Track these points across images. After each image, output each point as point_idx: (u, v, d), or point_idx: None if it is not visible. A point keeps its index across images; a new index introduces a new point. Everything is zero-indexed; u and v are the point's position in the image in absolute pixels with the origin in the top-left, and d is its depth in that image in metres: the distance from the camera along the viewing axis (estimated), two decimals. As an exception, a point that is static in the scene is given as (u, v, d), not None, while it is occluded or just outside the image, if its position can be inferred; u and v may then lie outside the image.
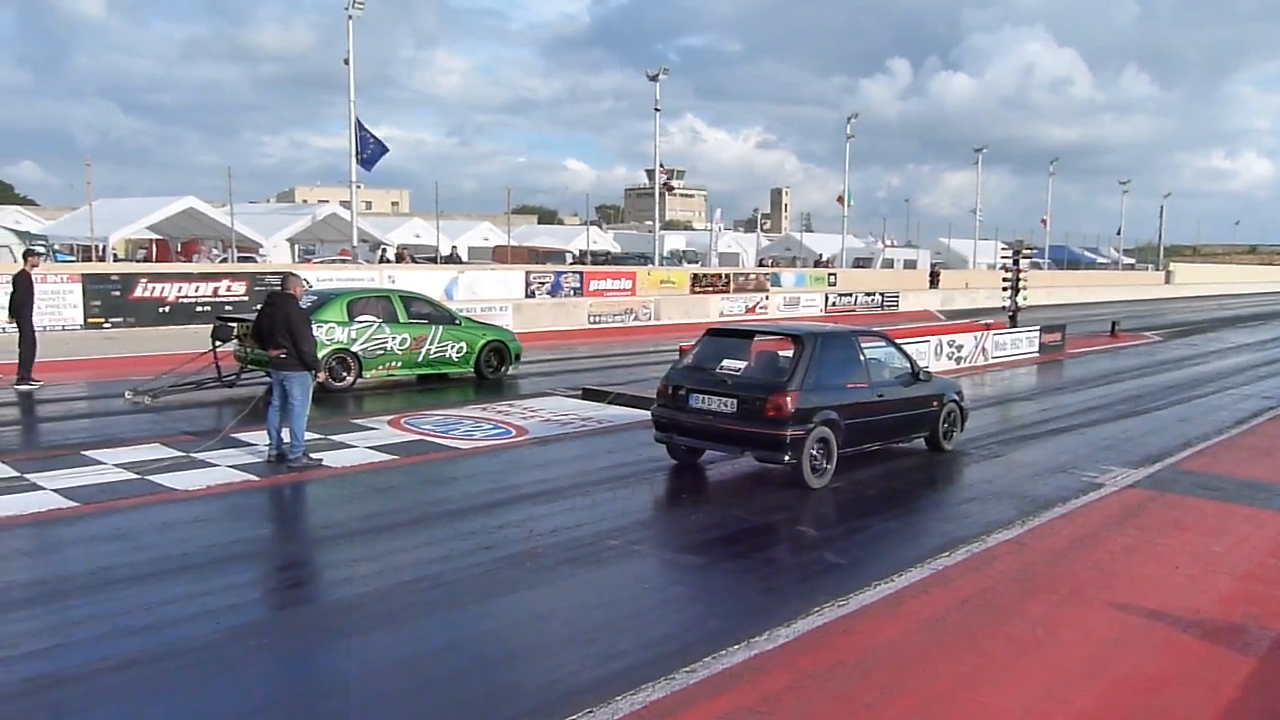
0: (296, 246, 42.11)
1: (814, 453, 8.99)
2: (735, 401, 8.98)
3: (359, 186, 31.66)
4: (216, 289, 23.28)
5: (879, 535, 8.02)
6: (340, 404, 13.16)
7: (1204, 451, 11.19)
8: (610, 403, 13.60)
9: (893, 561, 6.95)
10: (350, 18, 28.64)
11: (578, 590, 6.40)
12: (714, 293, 35.83)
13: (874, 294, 40.22)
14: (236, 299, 23.08)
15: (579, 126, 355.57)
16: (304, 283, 10.15)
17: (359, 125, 29.26)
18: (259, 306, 10.22)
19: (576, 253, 47.66)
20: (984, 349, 20.48)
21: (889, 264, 58.37)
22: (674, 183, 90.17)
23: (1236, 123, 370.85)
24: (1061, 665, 5.20)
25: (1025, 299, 24.60)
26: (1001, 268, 25.08)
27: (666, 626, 5.77)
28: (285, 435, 9.43)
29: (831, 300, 38.42)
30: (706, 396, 9.19)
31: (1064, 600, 6.20)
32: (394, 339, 14.70)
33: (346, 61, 29.12)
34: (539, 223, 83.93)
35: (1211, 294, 66.65)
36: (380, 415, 12.30)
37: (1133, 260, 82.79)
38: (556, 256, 46.79)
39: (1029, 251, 25.52)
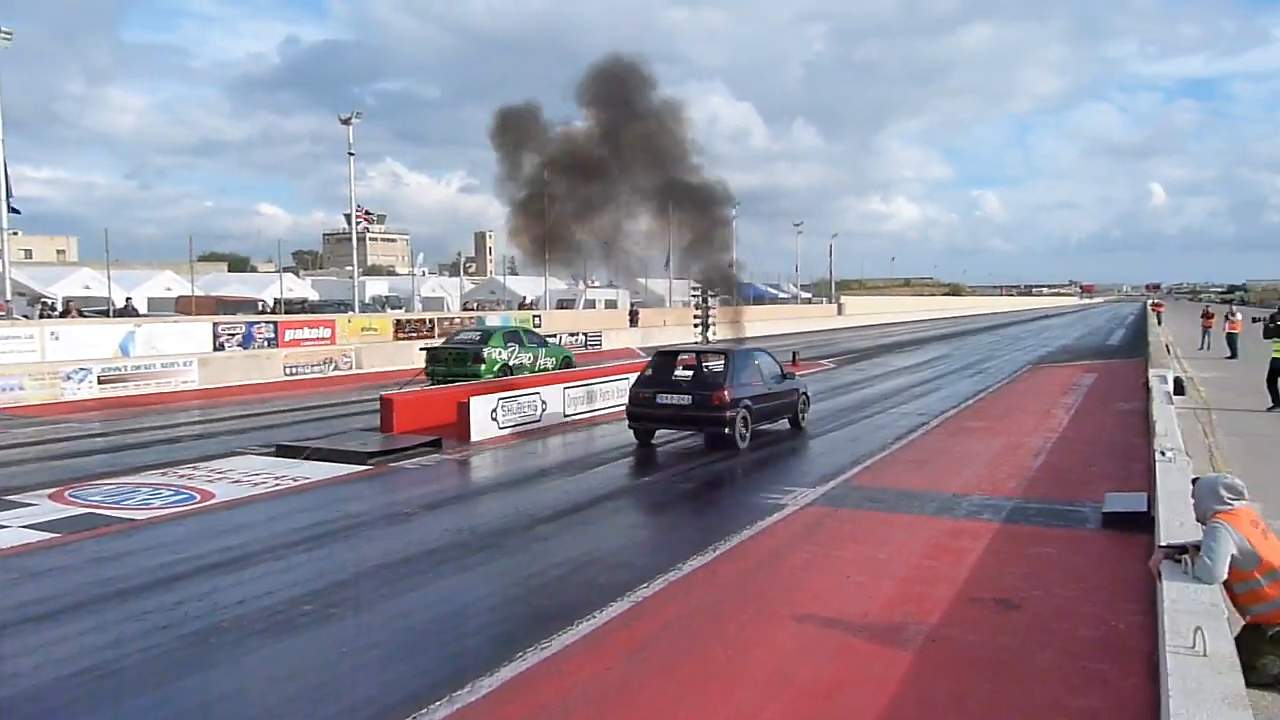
0: (-65, 302, 36.89)
1: (740, 428, 13.50)
2: (690, 397, 13.62)
3: (15, 234, 28.37)
4: None
5: (579, 569, 8.12)
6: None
7: (869, 468, 12.31)
8: (306, 458, 12.96)
9: (595, 596, 7.08)
10: (-6, 48, 25.81)
11: (269, 663, 6.02)
12: (418, 338, 35.16)
13: (578, 334, 41.10)
14: None
15: (274, 170, 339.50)
16: None
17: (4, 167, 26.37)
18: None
19: (271, 301, 45.22)
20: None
21: (591, 304, 59.95)
22: (374, 227, 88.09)
23: (888, 172, 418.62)
24: (751, 680, 5.53)
25: (714, 333, 26.14)
26: (695, 305, 26.47)
27: (367, 689, 5.55)
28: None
29: (538, 341, 38.81)
30: (669, 395, 13.81)
31: (752, 618, 6.60)
32: (526, 356, 23.49)
33: (-9, 95, 26.19)
34: (229, 270, 78.93)
35: (876, 323, 73.92)
36: (39, 489, 11.00)
37: (809, 295, 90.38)
38: (248, 306, 44.06)
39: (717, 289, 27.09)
